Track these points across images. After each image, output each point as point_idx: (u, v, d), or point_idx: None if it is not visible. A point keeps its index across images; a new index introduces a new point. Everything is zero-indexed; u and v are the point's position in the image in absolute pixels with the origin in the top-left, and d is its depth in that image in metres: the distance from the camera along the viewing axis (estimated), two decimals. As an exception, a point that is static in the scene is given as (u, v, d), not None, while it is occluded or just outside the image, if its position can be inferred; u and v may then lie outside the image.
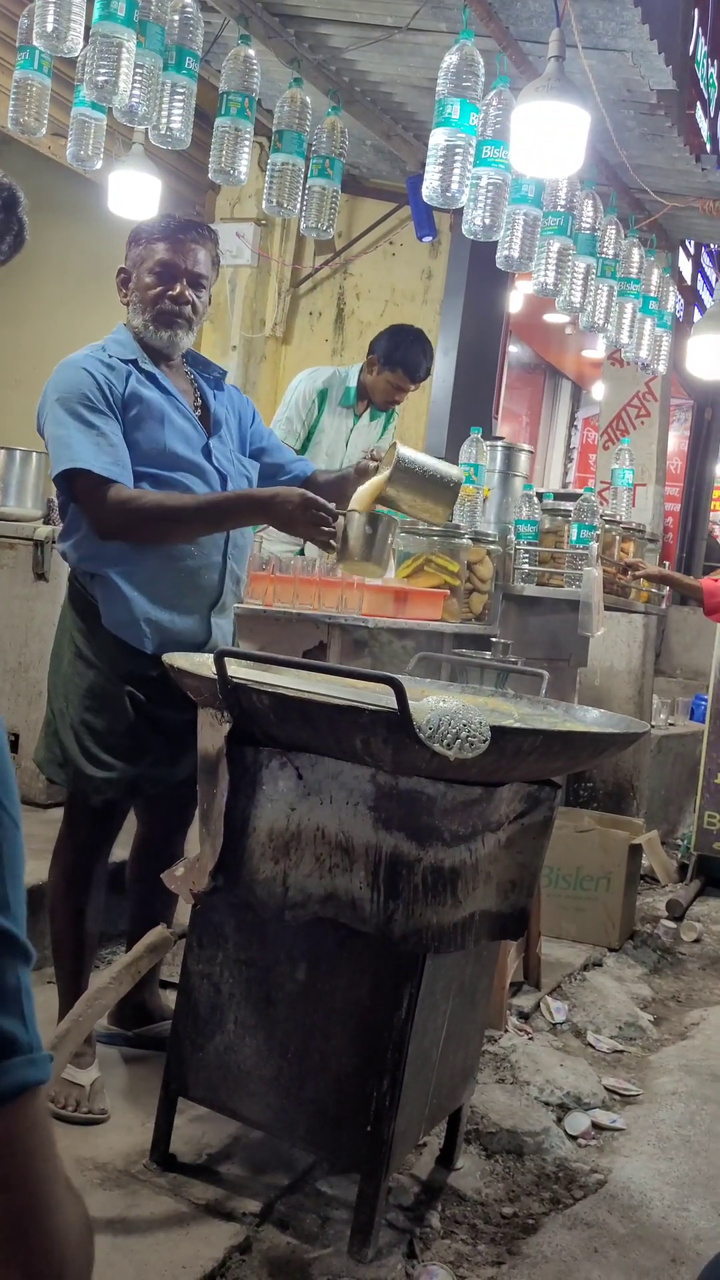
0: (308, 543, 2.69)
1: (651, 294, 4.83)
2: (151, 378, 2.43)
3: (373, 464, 2.58)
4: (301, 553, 3.67)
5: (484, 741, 1.74)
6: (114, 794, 2.42)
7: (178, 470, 2.40)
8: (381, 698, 1.79)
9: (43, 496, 4.19)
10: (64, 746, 2.42)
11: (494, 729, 1.75)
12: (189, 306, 2.44)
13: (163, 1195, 2.11)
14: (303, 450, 4.09)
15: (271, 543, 3.75)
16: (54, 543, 3.83)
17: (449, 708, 1.78)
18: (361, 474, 2.58)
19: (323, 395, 4.12)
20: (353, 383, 4.14)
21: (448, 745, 1.72)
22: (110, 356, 2.41)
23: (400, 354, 3.99)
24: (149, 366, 2.44)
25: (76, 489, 2.31)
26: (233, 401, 2.63)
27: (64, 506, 2.43)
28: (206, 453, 2.46)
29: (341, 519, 2.38)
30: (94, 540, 2.36)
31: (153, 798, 2.60)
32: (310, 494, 2.33)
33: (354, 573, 2.60)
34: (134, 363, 2.42)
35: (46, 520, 4.09)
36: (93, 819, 2.48)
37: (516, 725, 1.98)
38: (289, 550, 3.78)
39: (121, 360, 2.41)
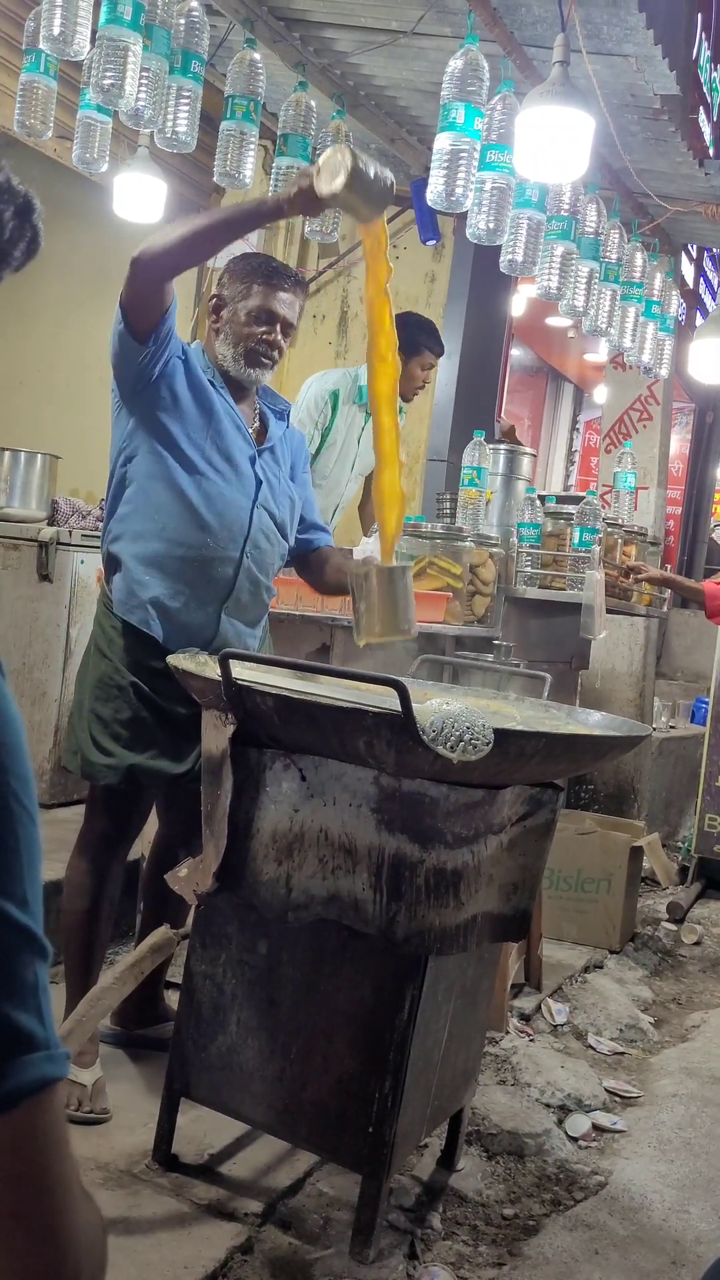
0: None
1: (654, 298, 4.84)
2: (213, 386, 2.51)
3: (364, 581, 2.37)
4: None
5: (487, 744, 1.74)
6: (114, 780, 2.45)
7: (212, 460, 2.44)
8: (385, 700, 1.80)
9: (47, 498, 4.19)
10: (78, 736, 2.50)
11: (497, 732, 1.76)
12: (277, 351, 2.53)
13: (165, 1195, 2.12)
14: (317, 453, 4.12)
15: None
16: (59, 544, 3.85)
17: (452, 710, 1.79)
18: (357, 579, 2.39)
19: (334, 396, 4.16)
20: (364, 381, 4.15)
21: (451, 748, 1.73)
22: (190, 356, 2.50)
23: (416, 337, 4.07)
24: (219, 385, 2.52)
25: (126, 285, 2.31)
26: (292, 440, 2.70)
27: (110, 503, 2.49)
28: (251, 461, 2.52)
29: (351, 584, 2.21)
30: (121, 523, 2.45)
31: (173, 798, 2.62)
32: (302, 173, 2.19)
33: (380, 642, 2.23)
34: (211, 382, 2.51)
35: (51, 522, 4.10)
36: (109, 813, 2.52)
37: (519, 728, 1.98)
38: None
39: (200, 369, 2.50)
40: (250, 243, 5.82)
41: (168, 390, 2.42)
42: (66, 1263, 0.62)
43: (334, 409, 4.15)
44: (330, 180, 2.04)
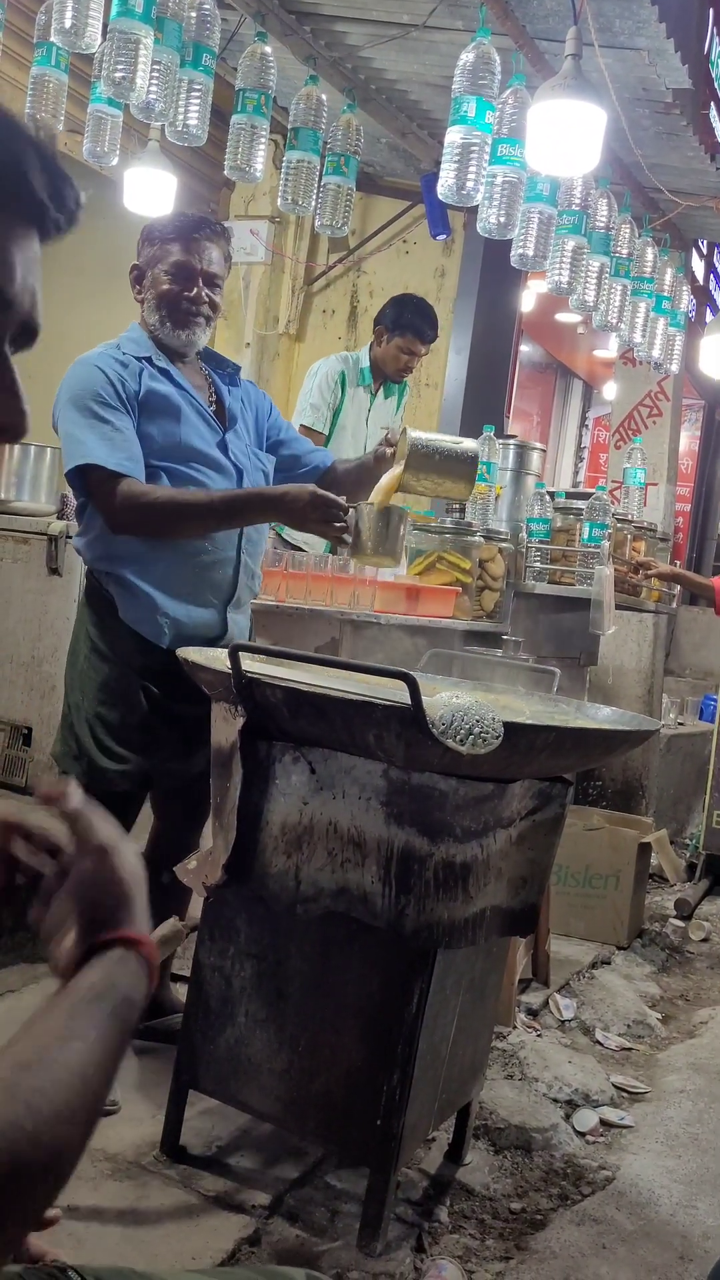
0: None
1: (665, 293, 4.83)
2: (165, 374, 2.44)
3: (389, 450, 2.57)
4: (332, 550, 3.64)
5: (497, 738, 1.74)
6: (127, 786, 2.44)
7: (193, 464, 2.40)
8: (395, 693, 1.80)
9: (56, 491, 4.20)
10: (79, 740, 2.44)
11: (507, 725, 1.76)
12: (206, 305, 2.44)
13: (173, 1187, 2.12)
14: (329, 434, 4.12)
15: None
16: (68, 538, 3.85)
17: (462, 703, 1.78)
18: (379, 460, 2.58)
19: (343, 377, 4.15)
20: (365, 363, 4.19)
21: (461, 741, 1.73)
22: (124, 354, 2.42)
23: (406, 318, 4.04)
24: (163, 363, 2.45)
25: (89, 484, 2.32)
26: (249, 396, 2.63)
27: (80, 506, 2.44)
28: (223, 447, 2.47)
29: (353, 512, 2.38)
30: (108, 539, 2.39)
31: (169, 793, 2.61)
32: (319, 490, 2.33)
33: (368, 564, 2.63)
34: (148, 359, 2.43)
35: (60, 515, 4.10)
36: (110, 814, 2.50)
37: (529, 722, 1.98)
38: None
39: (135, 357, 2.42)
40: (260, 236, 5.83)
41: (140, 426, 2.38)
42: None
43: (342, 390, 4.15)
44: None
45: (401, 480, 2.43)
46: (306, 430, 4.02)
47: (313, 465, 2.70)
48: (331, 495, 2.34)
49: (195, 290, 2.42)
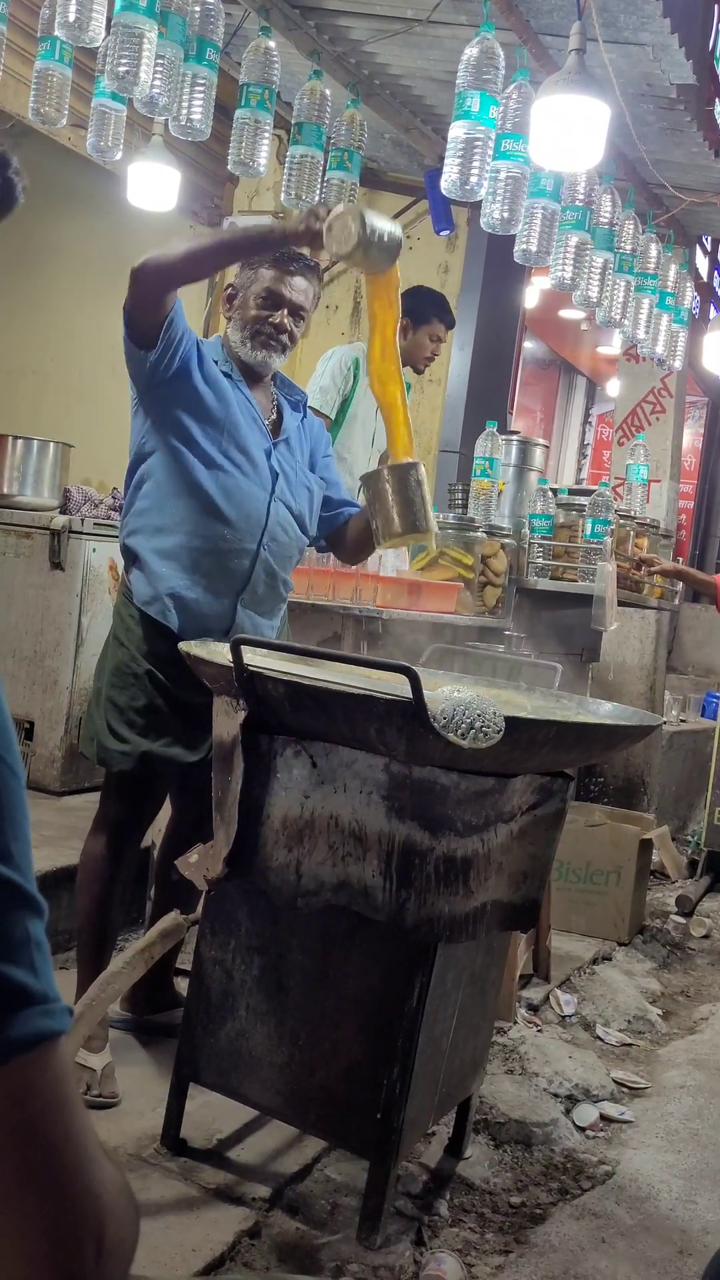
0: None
1: (668, 289, 4.82)
2: (229, 377, 2.51)
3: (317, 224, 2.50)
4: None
5: (498, 732, 1.74)
6: (127, 766, 2.46)
7: (228, 452, 2.45)
8: (396, 687, 1.80)
9: (59, 486, 4.20)
10: (94, 722, 2.52)
11: (508, 720, 1.76)
12: (286, 335, 2.52)
13: (173, 1179, 2.13)
14: (339, 420, 4.13)
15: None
16: (71, 532, 3.85)
17: (464, 698, 1.79)
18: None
19: (356, 365, 4.16)
20: None
21: (462, 735, 1.73)
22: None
23: (427, 308, 4.11)
24: (237, 377, 2.52)
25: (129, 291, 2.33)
26: (311, 429, 2.70)
27: (132, 488, 2.51)
28: (268, 454, 2.52)
29: (367, 489, 2.30)
30: (139, 514, 2.47)
31: (186, 786, 2.62)
32: (312, 209, 2.23)
33: (399, 545, 2.36)
34: (217, 363, 2.51)
35: (63, 510, 4.11)
36: (123, 799, 2.54)
37: (531, 716, 1.98)
38: None
39: (213, 360, 2.51)
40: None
41: (183, 387, 2.43)
42: (85, 1218, 0.60)
43: (355, 378, 4.16)
44: (339, 244, 2.10)
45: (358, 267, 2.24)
46: (314, 412, 4.02)
47: (338, 513, 2.73)
48: (316, 209, 2.21)
49: (279, 319, 2.49)
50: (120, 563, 2.63)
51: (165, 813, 2.77)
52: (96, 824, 2.58)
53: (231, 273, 2.60)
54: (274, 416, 2.61)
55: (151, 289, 2.33)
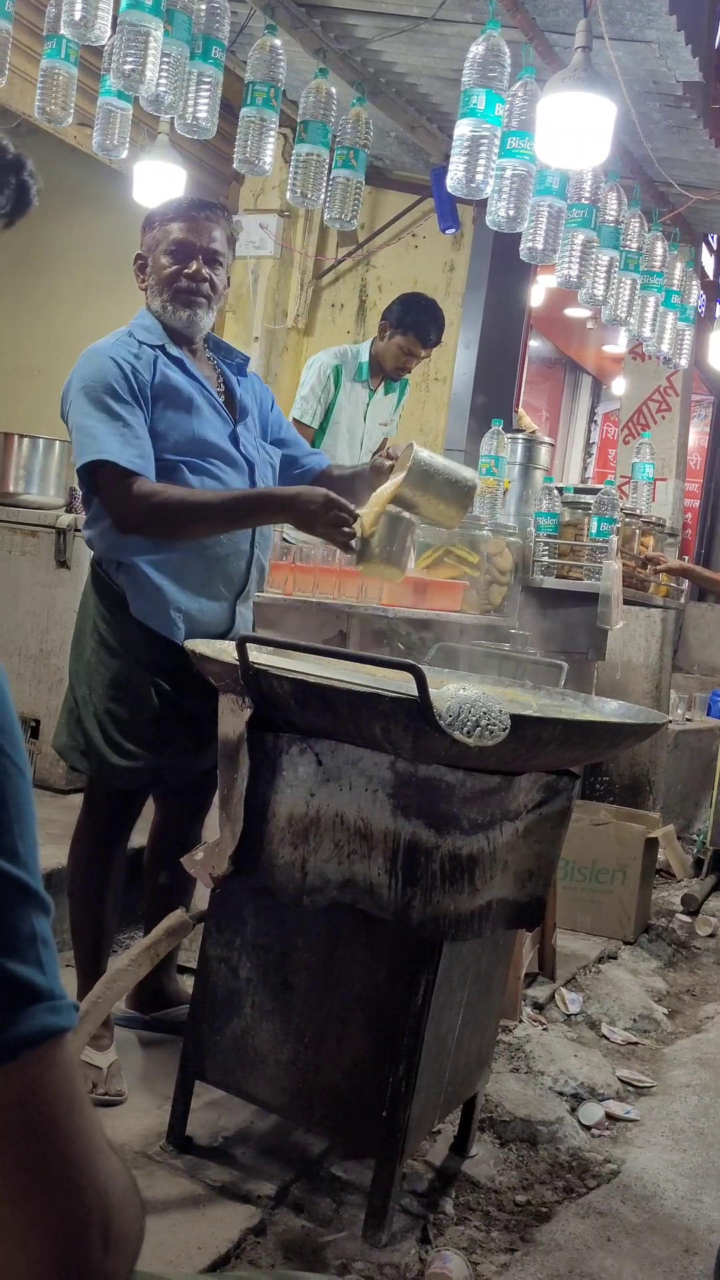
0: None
1: (674, 288, 4.81)
2: (179, 363, 2.42)
3: (388, 463, 2.55)
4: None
5: (504, 730, 1.74)
6: (139, 783, 2.44)
7: (208, 458, 2.39)
8: (402, 685, 1.80)
9: (65, 484, 4.20)
10: (87, 735, 2.42)
11: (514, 717, 1.76)
12: (206, 284, 2.42)
13: (179, 1177, 2.13)
14: (323, 428, 4.12)
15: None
16: (76, 530, 3.85)
17: (469, 695, 1.78)
18: (377, 472, 2.56)
19: (338, 371, 4.15)
20: (365, 357, 4.20)
21: (468, 733, 1.73)
22: (138, 344, 2.39)
23: (411, 318, 4.06)
24: (175, 351, 2.43)
25: (99, 481, 2.29)
26: (254, 389, 2.62)
27: (87, 496, 2.43)
28: (234, 440, 2.45)
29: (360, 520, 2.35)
30: (116, 531, 2.37)
31: (173, 787, 2.61)
32: (333, 495, 2.31)
33: (372, 575, 2.54)
34: (161, 348, 2.41)
35: (68, 508, 4.11)
36: (112, 805, 2.50)
37: (536, 714, 1.98)
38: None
39: (149, 346, 2.40)
40: (269, 230, 5.83)
41: (154, 418, 2.36)
42: (92, 1212, 0.61)
43: (337, 385, 4.15)
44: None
45: (397, 494, 2.38)
46: (297, 423, 4.04)
47: (308, 468, 2.68)
48: (344, 500, 2.31)
49: (195, 267, 2.39)
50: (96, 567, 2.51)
51: (149, 810, 2.73)
52: (82, 830, 2.52)
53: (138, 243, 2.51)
54: (223, 390, 2.52)
55: (136, 529, 2.32)
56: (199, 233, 2.39)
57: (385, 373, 4.21)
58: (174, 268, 2.40)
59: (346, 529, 2.32)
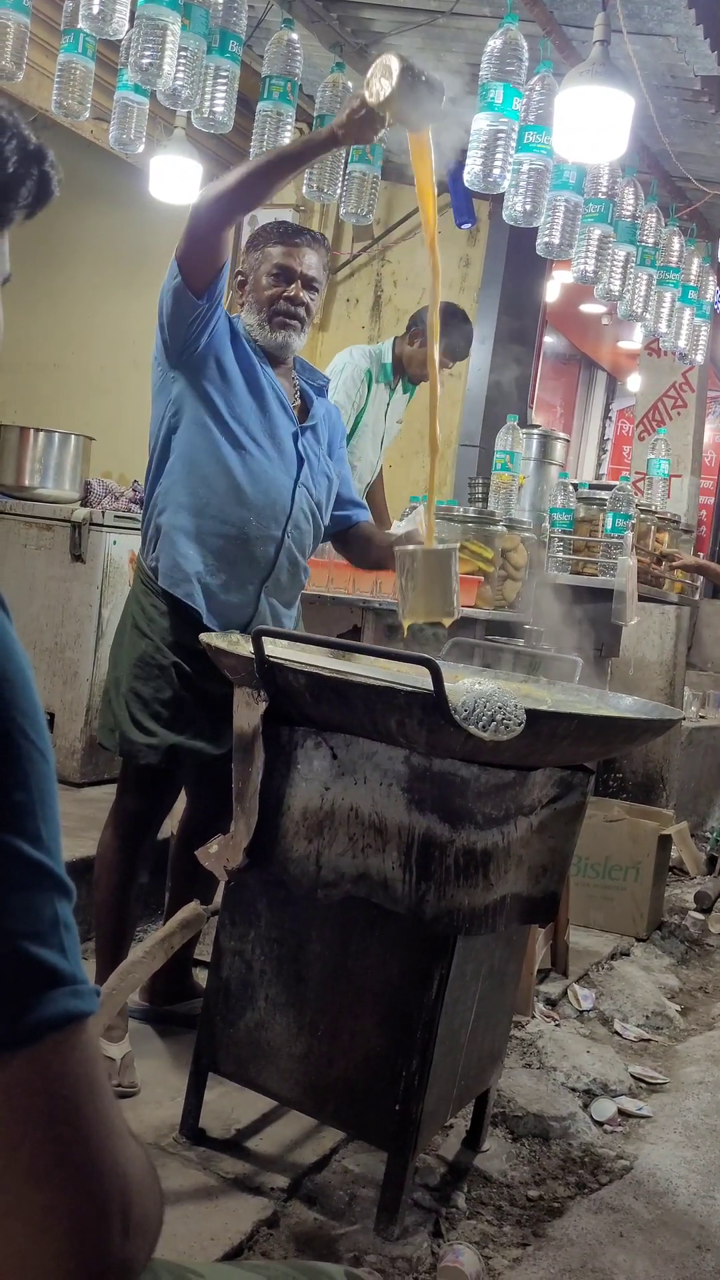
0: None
1: (691, 283, 4.79)
2: (261, 365, 2.49)
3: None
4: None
5: (519, 724, 1.74)
6: (154, 759, 2.46)
7: (256, 436, 2.44)
8: (417, 679, 1.80)
9: (80, 479, 4.22)
10: (115, 713, 2.49)
11: (529, 712, 1.76)
12: (303, 308, 2.50)
13: (192, 1168, 2.14)
14: (352, 430, 4.13)
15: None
16: (92, 525, 3.87)
17: (484, 690, 1.78)
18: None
19: (369, 376, 4.17)
20: (387, 358, 4.20)
21: (483, 727, 1.73)
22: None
23: (444, 330, 4.01)
24: (261, 359, 2.51)
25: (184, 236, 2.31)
26: (331, 417, 2.69)
27: (158, 457, 2.48)
28: (294, 438, 2.51)
29: (399, 565, 2.20)
30: (166, 496, 2.43)
31: (202, 777, 2.63)
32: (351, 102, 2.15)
33: (421, 620, 2.26)
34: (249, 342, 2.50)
35: (84, 503, 4.12)
36: (142, 791, 2.53)
37: (551, 709, 1.98)
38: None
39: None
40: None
41: (215, 361, 2.41)
42: (112, 1195, 0.61)
43: (369, 388, 4.16)
44: (380, 88, 1.99)
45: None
46: None
47: (346, 515, 2.74)
48: (358, 95, 2.11)
49: (294, 291, 2.47)
50: (139, 552, 2.61)
51: (180, 802, 2.77)
52: (113, 816, 2.58)
53: (239, 260, 2.59)
54: (298, 401, 2.59)
55: (213, 224, 2.28)
56: (299, 258, 2.48)
57: (407, 374, 4.22)
58: (274, 290, 2.48)
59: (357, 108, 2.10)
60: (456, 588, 2.18)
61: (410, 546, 2.21)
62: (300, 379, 2.64)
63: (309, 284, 2.50)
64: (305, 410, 2.60)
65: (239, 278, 2.56)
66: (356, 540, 2.73)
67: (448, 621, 2.23)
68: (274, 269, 2.48)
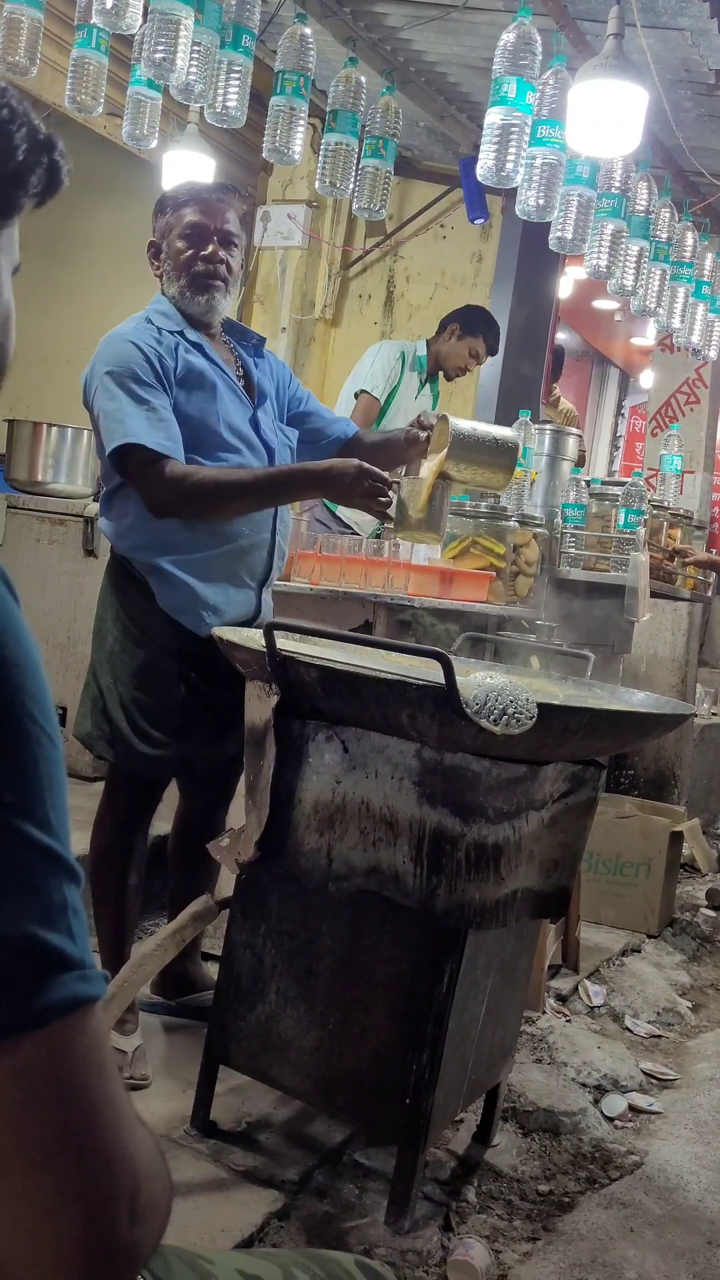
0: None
1: (704, 278, 4.77)
2: (199, 348, 2.40)
3: (422, 433, 2.55)
4: (378, 535, 3.73)
5: (531, 718, 1.74)
6: (165, 771, 2.44)
7: (229, 443, 2.38)
8: (428, 673, 1.80)
9: (93, 473, 4.22)
10: (113, 724, 2.42)
11: (541, 706, 1.75)
12: (223, 266, 2.39)
13: (203, 1161, 2.14)
14: (382, 414, 4.31)
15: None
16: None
17: (496, 684, 1.78)
18: (411, 442, 2.56)
19: (402, 357, 4.39)
20: (422, 352, 4.47)
21: (494, 721, 1.73)
22: (158, 330, 2.37)
23: (480, 325, 4.41)
24: (195, 336, 2.41)
25: (129, 466, 2.27)
26: (271, 368, 2.59)
27: (109, 492, 2.41)
28: (254, 424, 2.44)
29: (396, 486, 2.37)
30: (146, 527, 2.34)
31: (193, 773, 2.61)
32: (366, 465, 2.30)
33: (412, 539, 2.59)
34: (180, 334, 2.39)
35: (96, 497, 4.12)
36: (133, 792, 2.50)
37: (563, 704, 1.98)
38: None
39: (169, 332, 2.38)
40: (298, 220, 5.82)
41: (178, 403, 2.35)
42: (121, 1180, 0.61)
43: (401, 373, 4.37)
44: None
45: (442, 469, 2.40)
46: (366, 395, 4.29)
47: (335, 436, 2.66)
48: (377, 470, 2.30)
49: (211, 249, 2.36)
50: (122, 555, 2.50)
51: (170, 794, 2.74)
52: (103, 817, 2.52)
53: (152, 228, 2.48)
54: (241, 374, 2.49)
55: (173, 510, 2.30)
56: (213, 215, 2.37)
57: (442, 370, 4.50)
58: (190, 251, 2.37)
59: (383, 498, 2.32)
60: (445, 514, 2.45)
61: (407, 478, 2.41)
62: (234, 344, 2.53)
63: (227, 240, 2.37)
64: (250, 379, 2.49)
65: (152, 247, 2.44)
66: (358, 450, 2.60)
67: (437, 543, 2.49)
68: (186, 229, 2.36)
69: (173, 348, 2.36)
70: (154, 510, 2.30)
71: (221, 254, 2.38)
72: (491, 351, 4.50)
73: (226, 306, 2.47)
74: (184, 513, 2.31)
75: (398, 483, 2.36)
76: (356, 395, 4.33)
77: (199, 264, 2.37)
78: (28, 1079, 0.59)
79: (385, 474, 2.32)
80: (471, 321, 4.42)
